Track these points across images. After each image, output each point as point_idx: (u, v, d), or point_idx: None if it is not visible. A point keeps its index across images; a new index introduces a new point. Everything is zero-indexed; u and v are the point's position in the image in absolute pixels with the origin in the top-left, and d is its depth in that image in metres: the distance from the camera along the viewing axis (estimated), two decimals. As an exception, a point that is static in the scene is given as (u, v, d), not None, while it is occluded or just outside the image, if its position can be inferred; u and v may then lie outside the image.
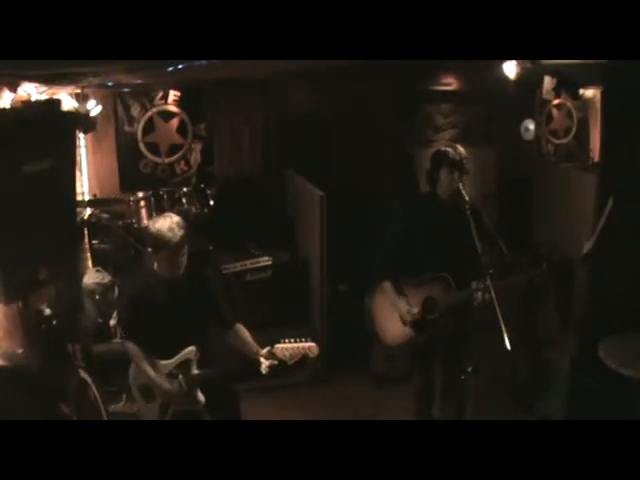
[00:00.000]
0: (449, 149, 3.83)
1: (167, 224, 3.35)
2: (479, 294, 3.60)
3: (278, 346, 3.31)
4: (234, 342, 3.57)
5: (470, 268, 3.61)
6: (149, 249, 3.46)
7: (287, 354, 3.29)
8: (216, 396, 3.58)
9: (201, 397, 3.50)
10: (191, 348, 3.48)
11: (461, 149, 3.85)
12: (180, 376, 3.47)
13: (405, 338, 3.85)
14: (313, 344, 3.30)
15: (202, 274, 3.62)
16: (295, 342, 3.30)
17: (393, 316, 3.86)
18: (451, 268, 3.69)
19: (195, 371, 3.49)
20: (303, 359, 3.33)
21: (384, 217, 4.73)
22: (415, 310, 3.79)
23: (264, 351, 3.38)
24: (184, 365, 3.50)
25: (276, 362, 3.33)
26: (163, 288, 3.47)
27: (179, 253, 3.40)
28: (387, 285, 3.86)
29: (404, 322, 3.82)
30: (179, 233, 3.35)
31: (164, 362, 3.51)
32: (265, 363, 3.33)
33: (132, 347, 3.55)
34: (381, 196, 6.28)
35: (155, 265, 3.48)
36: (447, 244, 3.73)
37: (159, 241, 3.35)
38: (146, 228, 3.46)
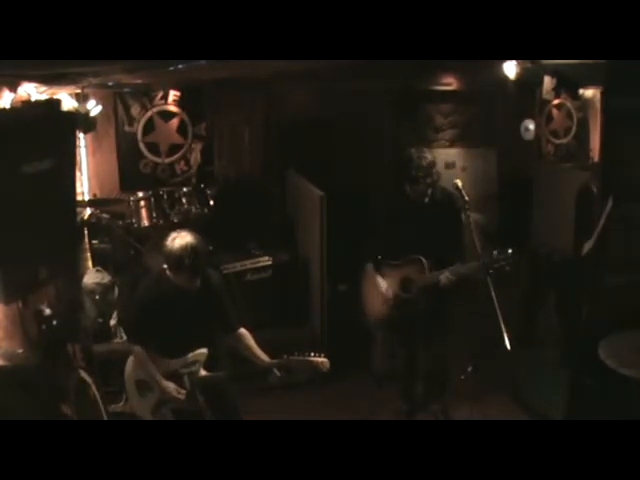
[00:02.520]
0: (419, 156, 4.02)
1: (187, 248, 3.32)
2: (444, 276, 3.89)
3: (292, 359, 3.39)
4: (237, 346, 3.59)
5: (448, 255, 3.93)
6: (165, 265, 3.45)
7: (300, 367, 3.38)
8: (216, 396, 3.60)
9: (200, 397, 3.51)
10: (203, 350, 3.52)
11: (429, 156, 4.04)
12: (185, 376, 3.49)
13: (385, 315, 4.20)
14: (326, 360, 3.36)
15: (212, 278, 3.63)
16: (309, 356, 3.37)
17: (376, 295, 4.21)
18: (428, 252, 3.99)
19: (202, 372, 3.51)
20: (314, 373, 3.40)
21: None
22: (392, 289, 4.14)
23: (275, 361, 3.46)
24: (191, 366, 3.53)
25: (284, 374, 3.44)
26: (175, 292, 3.47)
27: (197, 274, 3.41)
28: (369, 267, 4.25)
29: (384, 300, 4.15)
30: (199, 258, 3.35)
31: (171, 361, 3.54)
32: (277, 374, 3.44)
33: (138, 349, 3.56)
34: (381, 196, 6.27)
35: (168, 273, 3.47)
36: (426, 232, 3.98)
37: (178, 263, 3.35)
38: (165, 245, 3.42)
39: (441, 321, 4.23)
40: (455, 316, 4.39)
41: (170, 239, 3.41)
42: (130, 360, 3.69)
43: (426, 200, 4.08)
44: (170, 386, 3.50)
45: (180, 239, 3.38)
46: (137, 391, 3.65)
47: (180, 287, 3.44)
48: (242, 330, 3.62)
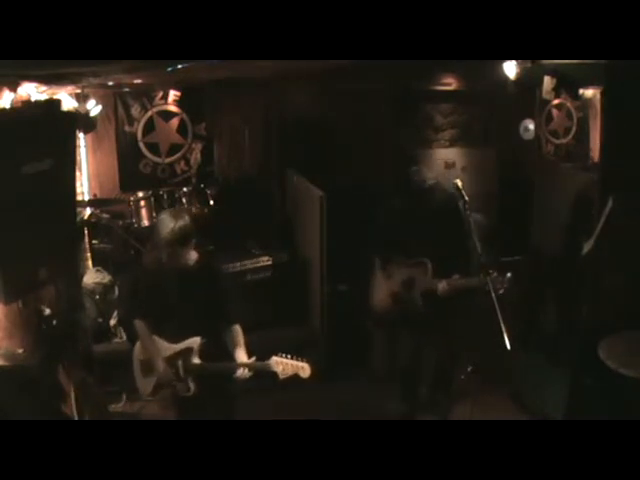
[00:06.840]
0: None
1: (165, 220, 3.42)
2: (443, 284, 3.96)
3: (274, 358, 3.37)
4: (227, 341, 3.61)
5: (452, 261, 3.97)
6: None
7: (280, 368, 3.35)
8: (207, 386, 3.62)
9: (192, 386, 3.56)
10: (196, 339, 3.55)
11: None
12: (180, 362, 3.54)
13: (387, 309, 4.35)
14: (306, 365, 3.34)
15: (211, 263, 3.72)
16: (291, 359, 3.35)
17: (381, 289, 4.36)
18: (434, 257, 4.07)
19: (195, 361, 3.55)
20: (294, 376, 3.38)
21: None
22: (396, 286, 4.25)
23: (249, 361, 3.46)
24: (186, 353, 3.56)
25: (247, 374, 3.43)
26: (173, 277, 3.53)
27: (177, 249, 3.44)
28: (376, 261, 4.38)
29: (388, 295, 4.29)
30: (174, 229, 3.38)
31: (168, 345, 3.59)
32: (239, 373, 3.43)
33: (140, 324, 3.67)
34: (381, 196, 6.28)
35: (163, 256, 3.53)
36: (434, 235, 4.03)
37: (155, 236, 3.46)
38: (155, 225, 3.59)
39: (437, 325, 4.26)
40: (454, 318, 4.38)
41: (159, 219, 3.53)
42: (139, 341, 3.79)
43: (430, 201, 4.14)
44: (165, 369, 3.56)
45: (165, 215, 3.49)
46: (140, 371, 3.74)
47: (176, 269, 3.51)
48: (236, 326, 3.64)
